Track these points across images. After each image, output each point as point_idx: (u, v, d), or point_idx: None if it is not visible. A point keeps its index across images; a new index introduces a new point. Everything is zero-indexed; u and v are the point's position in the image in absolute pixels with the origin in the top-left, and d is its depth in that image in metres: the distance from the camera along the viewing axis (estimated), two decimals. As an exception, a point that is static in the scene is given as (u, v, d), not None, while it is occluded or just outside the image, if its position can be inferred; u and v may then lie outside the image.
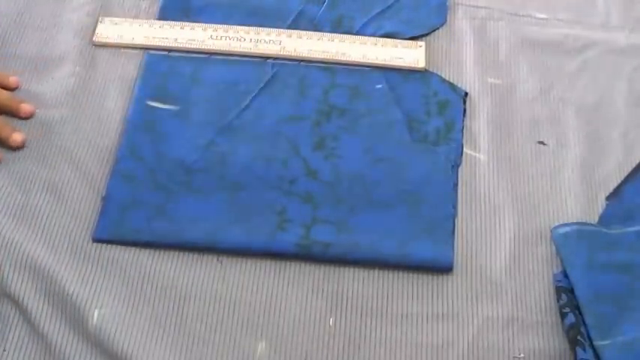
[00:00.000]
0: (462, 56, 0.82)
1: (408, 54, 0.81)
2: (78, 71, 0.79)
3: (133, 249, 0.68)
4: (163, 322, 0.65)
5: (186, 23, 0.83)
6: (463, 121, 0.77)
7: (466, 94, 0.79)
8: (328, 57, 0.81)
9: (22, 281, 0.66)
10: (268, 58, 0.81)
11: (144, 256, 0.68)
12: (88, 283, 0.66)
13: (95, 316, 0.64)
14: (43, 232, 0.69)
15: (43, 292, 0.66)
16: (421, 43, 0.82)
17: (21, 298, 0.65)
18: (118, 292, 0.66)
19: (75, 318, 0.64)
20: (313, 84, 0.79)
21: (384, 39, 0.82)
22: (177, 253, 0.68)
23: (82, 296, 0.65)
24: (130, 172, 0.72)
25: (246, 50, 0.81)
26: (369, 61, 0.80)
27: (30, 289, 0.66)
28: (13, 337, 0.64)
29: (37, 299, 0.65)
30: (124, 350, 0.63)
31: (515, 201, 0.72)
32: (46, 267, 0.66)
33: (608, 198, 0.72)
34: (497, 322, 0.65)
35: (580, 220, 0.70)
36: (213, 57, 0.81)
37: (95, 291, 0.66)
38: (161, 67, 0.80)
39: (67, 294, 0.65)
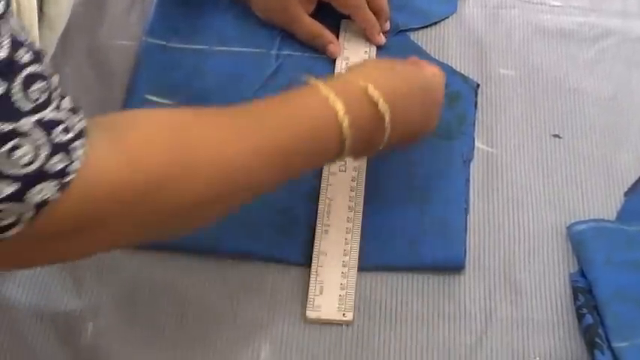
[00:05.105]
0: (473, 46, 0.81)
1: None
2: (74, 63, 0.78)
3: (131, 251, 0.67)
4: (162, 325, 0.64)
5: None
6: (475, 113, 0.76)
7: (478, 85, 0.78)
8: None
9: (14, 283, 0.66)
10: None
11: (142, 258, 0.67)
12: (83, 288, 0.66)
13: (90, 327, 0.64)
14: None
15: (37, 292, 0.65)
16: None
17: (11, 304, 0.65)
18: (115, 296, 0.66)
19: (69, 327, 0.64)
20: (318, 76, 0.77)
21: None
22: (176, 254, 0.67)
23: (76, 303, 0.65)
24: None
25: None
26: None
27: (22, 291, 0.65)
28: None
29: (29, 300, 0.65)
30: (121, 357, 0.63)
31: (530, 197, 0.71)
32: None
33: (626, 193, 0.71)
34: (511, 323, 0.65)
35: (597, 217, 0.70)
36: (214, 48, 0.79)
37: (92, 293, 0.66)
38: (160, 60, 0.78)
39: (61, 301, 0.65)
